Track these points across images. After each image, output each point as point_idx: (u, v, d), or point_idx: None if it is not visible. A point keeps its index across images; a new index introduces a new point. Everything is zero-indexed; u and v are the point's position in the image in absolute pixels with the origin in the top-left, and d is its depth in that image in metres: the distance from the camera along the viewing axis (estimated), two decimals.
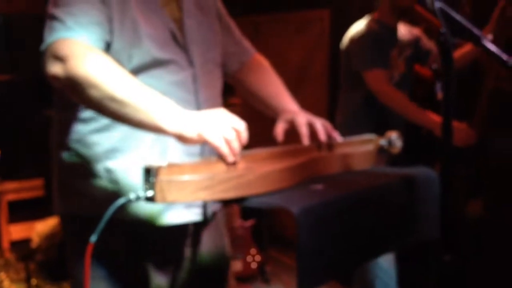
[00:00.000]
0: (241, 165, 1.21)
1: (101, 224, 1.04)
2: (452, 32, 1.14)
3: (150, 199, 1.07)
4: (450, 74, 1.16)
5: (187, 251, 1.51)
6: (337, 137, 1.45)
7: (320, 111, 4.41)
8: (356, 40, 2.66)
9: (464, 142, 2.54)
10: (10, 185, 4.19)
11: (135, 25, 1.35)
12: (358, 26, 2.69)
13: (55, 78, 1.24)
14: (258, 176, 1.16)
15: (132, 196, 1.06)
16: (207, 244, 1.55)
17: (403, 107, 2.53)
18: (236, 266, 3.65)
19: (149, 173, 1.07)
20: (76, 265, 1.42)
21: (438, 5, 1.17)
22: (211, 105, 1.44)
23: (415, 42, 2.79)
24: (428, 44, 2.84)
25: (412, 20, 2.86)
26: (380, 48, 2.60)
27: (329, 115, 4.22)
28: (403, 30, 2.76)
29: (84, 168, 1.40)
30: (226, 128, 1.16)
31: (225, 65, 1.64)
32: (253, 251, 3.70)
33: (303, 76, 4.18)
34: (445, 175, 1.21)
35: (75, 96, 1.25)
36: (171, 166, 1.10)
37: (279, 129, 1.43)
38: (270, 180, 1.19)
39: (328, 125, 1.45)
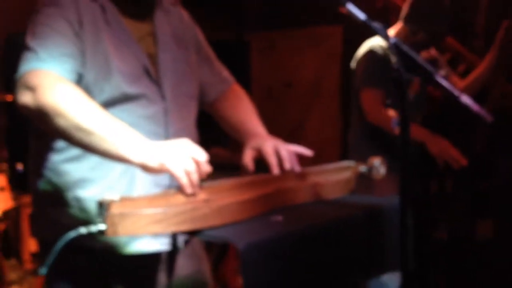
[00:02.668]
0: (201, 196, 1.23)
1: (50, 258, 1.08)
2: (406, 68, 1.15)
3: (102, 233, 1.10)
4: (405, 111, 1.16)
5: (162, 278, 1.54)
6: (297, 166, 1.44)
7: (332, 125, 4.43)
8: (360, 58, 2.68)
9: (437, 151, 2.50)
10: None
11: (106, 59, 1.40)
12: (368, 44, 2.69)
13: (25, 107, 1.29)
14: (214, 209, 1.18)
15: (82, 230, 1.10)
16: (184, 270, 1.58)
17: (389, 127, 2.52)
18: None
19: (102, 207, 1.11)
20: None
21: (392, 40, 1.17)
22: (181, 136, 1.47)
23: (432, 64, 2.75)
24: (445, 67, 2.81)
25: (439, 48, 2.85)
26: (384, 68, 2.57)
27: (341, 130, 4.23)
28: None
29: (56, 196, 1.45)
30: (187, 159, 1.20)
31: (204, 95, 1.68)
32: None
33: (316, 90, 4.20)
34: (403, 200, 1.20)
35: (43, 125, 1.30)
36: (124, 199, 1.13)
37: (248, 159, 1.45)
38: (227, 212, 1.21)
39: (292, 151, 1.45)
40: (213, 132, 1.90)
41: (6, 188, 3.62)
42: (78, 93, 1.28)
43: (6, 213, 3.60)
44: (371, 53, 2.63)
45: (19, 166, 3.95)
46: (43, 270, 1.08)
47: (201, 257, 1.66)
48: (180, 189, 1.21)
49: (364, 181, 1.59)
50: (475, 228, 3.10)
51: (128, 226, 1.11)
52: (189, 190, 1.20)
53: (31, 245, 4.31)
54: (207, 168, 1.22)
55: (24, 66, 1.34)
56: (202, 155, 1.22)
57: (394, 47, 1.16)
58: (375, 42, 2.67)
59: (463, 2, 3.18)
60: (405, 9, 2.63)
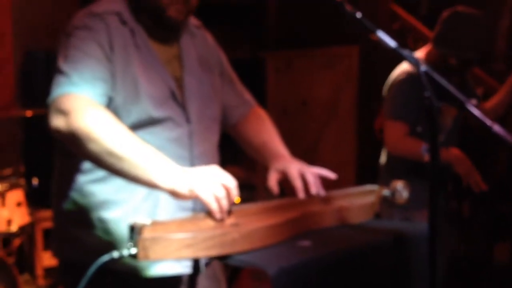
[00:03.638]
0: (229, 221, 1.24)
1: (84, 280, 1.08)
2: (437, 96, 1.15)
3: (134, 257, 1.11)
4: (436, 138, 1.16)
5: None
6: (321, 190, 1.44)
7: (347, 146, 4.43)
8: (391, 87, 2.57)
9: (464, 170, 2.45)
10: (46, 213, 4.33)
11: (135, 83, 1.42)
12: (399, 70, 2.55)
13: (57, 131, 1.31)
14: (243, 234, 1.19)
15: (115, 254, 1.11)
16: None
17: (414, 152, 2.42)
18: None
19: (133, 231, 1.11)
20: None
21: (423, 69, 1.18)
22: (206, 159, 1.49)
23: (464, 89, 2.60)
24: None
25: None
26: (413, 98, 2.38)
27: (357, 151, 4.23)
28: None
29: (80, 216, 1.46)
30: (216, 185, 1.21)
31: (226, 117, 1.69)
32: None
33: (332, 111, 4.20)
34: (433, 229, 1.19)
35: (75, 149, 1.32)
36: (155, 223, 1.14)
37: (273, 181, 1.45)
38: (256, 237, 1.21)
39: (317, 174, 1.45)
40: (228, 151, 1.91)
41: (23, 203, 3.64)
42: (110, 118, 1.29)
43: (22, 228, 3.60)
44: (401, 83, 2.50)
45: (35, 181, 3.97)
46: None
47: (220, 279, 1.66)
48: (209, 213, 1.22)
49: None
50: (492, 252, 3.07)
51: (159, 251, 1.11)
52: (218, 216, 1.21)
53: (44, 260, 4.32)
54: (236, 194, 1.23)
55: (57, 90, 1.35)
56: (232, 181, 1.23)
57: (425, 75, 1.16)
58: (406, 67, 2.51)
59: None
60: (437, 30, 2.47)
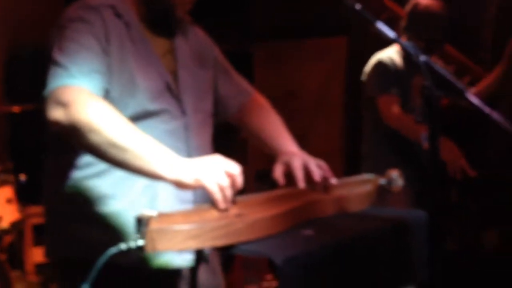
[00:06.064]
0: (233, 211, 1.25)
1: (93, 273, 1.09)
2: (437, 85, 1.17)
3: (141, 249, 1.11)
4: (436, 127, 1.19)
5: None
6: (333, 178, 1.48)
7: (336, 137, 4.46)
8: (371, 70, 2.77)
9: (450, 158, 2.56)
10: (35, 209, 4.30)
11: (131, 76, 1.42)
12: (377, 57, 2.79)
13: (56, 123, 1.30)
14: (247, 224, 1.20)
15: (123, 246, 1.11)
16: (204, 285, 1.59)
17: (410, 130, 2.59)
18: None
19: (140, 223, 1.12)
20: None
21: (422, 58, 1.20)
22: (201, 152, 1.49)
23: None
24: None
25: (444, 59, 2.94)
26: (394, 76, 2.69)
27: (345, 141, 4.26)
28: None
29: (76, 213, 1.46)
30: (221, 174, 1.22)
31: (226, 108, 1.70)
32: (269, 276, 3.72)
33: (320, 102, 4.22)
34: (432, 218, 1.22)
35: (75, 141, 1.31)
36: (161, 215, 1.15)
37: (278, 173, 1.46)
38: (260, 227, 1.23)
39: (324, 166, 1.48)
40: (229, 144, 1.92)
41: (13, 200, 3.61)
42: (111, 110, 1.29)
43: (13, 225, 3.58)
44: (380, 63, 2.73)
45: (22, 177, 3.94)
46: (85, 286, 1.09)
47: (218, 271, 1.68)
48: (213, 204, 1.23)
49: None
50: (481, 239, 3.12)
51: (166, 242, 1.12)
52: (222, 205, 1.22)
53: (35, 256, 4.30)
54: (241, 182, 1.24)
55: (55, 82, 1.35)
56: (236, 169, 1.23)
57: (425, 65, 1.18)
58: (384, 55, 2.77)
59: (468, 15, 3.23)
60: (403, 20, 2.77)
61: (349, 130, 4.01)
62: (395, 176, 1.60)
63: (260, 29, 4.46)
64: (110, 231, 1.43)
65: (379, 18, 3.18)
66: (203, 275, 1.59)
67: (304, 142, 4.47)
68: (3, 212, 3.48)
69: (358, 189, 1.55)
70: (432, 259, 1.21)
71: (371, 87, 2.76)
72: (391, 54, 2.77)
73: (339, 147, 4.09)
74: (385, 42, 2.84)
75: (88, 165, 1.44)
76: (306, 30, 4.31)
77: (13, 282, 3.40)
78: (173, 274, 1.52)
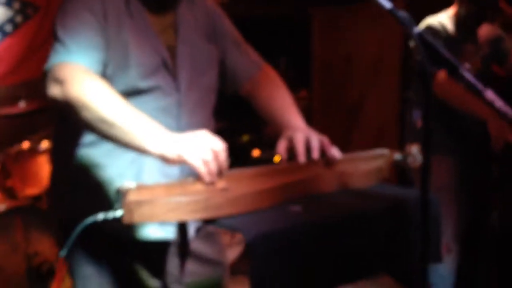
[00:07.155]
0: (220, 185, 1.25)
1: (70, 241, 1.13)
2: (431, 60, 1.10)
3: (118, 219, 1.14)
4: (429, 102, 1.12)
5: (174, 263, 1.59)
6: (336, 153, 1.43)
7: (392, 104, 4.31)
8: None
9: (498, 134, 2.46)
10: None
11: (126, 52, 1.44)
12: (426, 21, 2.67)
13: (54, 99, 1.36)
14: (229, 198, 1.19)
15: (100, 216, 1.14)
16: (199, 255, 1.62)
17: (459, 98, 2.48)
18: None
19: (119, 194, 1.15)
20: (71, 266, 1.55)
21: (417, 31, 1.12)
22: (194, 129, 1.48)
23: (495, 42, 2.70)
24: (510, 45, 2.72)
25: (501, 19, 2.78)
26: (444, 42, 2.56)
27: (401, 109, 4.11)
28: (485, 28, 2.69)
29: (70, 177, 1.55)
30: (205, 149, 1.22)
31: (235, 79, 1.68)
32: None
33: (377, 67, 4.10)
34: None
35: (71, 117, 1.36)
36: (142, 187, 1.17)
37: (281, 148, 1.43)
38: (243, 202, 1.21)
39: (326, 141, 1.44)
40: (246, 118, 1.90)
41: None
42: (103, 87, 1.33)
43: None
44: (430, 28, 2.61)
45: None
46: (62, 252, 1.14)
47: (218, 241, 1.71)
48: (199, 177, 1.23)
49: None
50: None
51: (144, 214, 1.14)
52: (207, 179, 1.22)
53: None
54: (225, 157, 1.23)
55: (54, 58, 1.40)
56: (219, 145, 1.23)
57: (419, 38, 1.11)
58: (435, 20, 2.65)
59: None
60: None
61: (405, 99, 3.87)
62: (415, 151, 1.53)
63: None
64: (98, 198, 1.48)
65: None
66: (199, 245, 1.61)
67: (359, 110, 4.40)
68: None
69: (366, 165, 1.49)
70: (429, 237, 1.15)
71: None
72: (442, 19, 2.64)
73: (394, 115, 3.96)
74: (444, 7, 2.71)
75: (82, 134, 1.51)
76: None
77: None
78: (160, 244, 1.56)
